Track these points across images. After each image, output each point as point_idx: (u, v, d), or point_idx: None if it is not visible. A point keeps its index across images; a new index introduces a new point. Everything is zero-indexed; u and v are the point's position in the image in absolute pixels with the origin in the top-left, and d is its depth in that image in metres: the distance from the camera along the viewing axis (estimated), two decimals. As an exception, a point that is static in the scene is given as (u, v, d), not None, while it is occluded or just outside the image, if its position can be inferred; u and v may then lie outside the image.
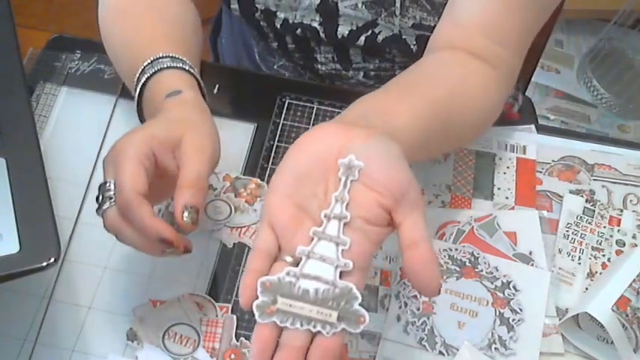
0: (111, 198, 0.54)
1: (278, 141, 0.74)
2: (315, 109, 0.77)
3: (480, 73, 0.65)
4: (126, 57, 0.67)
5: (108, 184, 0.54)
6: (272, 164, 0.72)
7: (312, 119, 0.76)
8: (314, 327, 0.44)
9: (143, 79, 0.62)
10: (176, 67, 0.62)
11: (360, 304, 0.45)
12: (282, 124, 0.75)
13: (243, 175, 0.71)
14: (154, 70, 0.62)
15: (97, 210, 0.55)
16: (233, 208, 0.68)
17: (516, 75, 0.68)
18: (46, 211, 0.53)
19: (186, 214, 0.53)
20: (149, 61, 0.62)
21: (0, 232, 0.51)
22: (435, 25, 0.71)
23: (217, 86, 0.78)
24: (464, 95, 0.63)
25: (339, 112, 0.76)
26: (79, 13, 1.83)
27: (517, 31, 0.66)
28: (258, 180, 0.70)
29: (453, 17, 0.67)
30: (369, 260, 0.48)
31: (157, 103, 0.60)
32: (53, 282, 0.64)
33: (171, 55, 0.63)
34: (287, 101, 0.77)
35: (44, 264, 0.51)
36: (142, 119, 0.64)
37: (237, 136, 0.74)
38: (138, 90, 0.62)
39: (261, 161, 0.72)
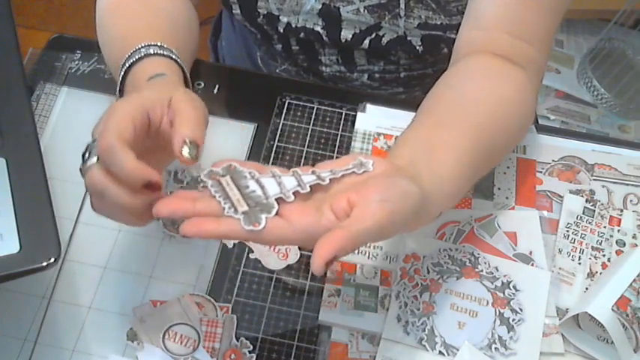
0: (94, 157, 0.51)
1: (278, 141, 0.74)
2: (315, 109, 0.77)
3: (513, 81, 0.64)
4: (116, 47, 0.67)
5: (95, 141, 0.51)
6: (272, 164, 0.72)
7: (312, 119, 0.76)
8: (225, 204, 0.49)
9: (128, 64, 0.61)
10: (162, 55, 0.62)
11: (266, 217, 0.48)
12: (282, 124, 0.75)
13: (244, 175, 0.71)
14: (140, 56, 0.61)
15: (80, 167, 0.52)
16: None
17: (543, 71, 0.68)
18: (46, 211, 0.53)
19: (186, 149, 0.51)
20: (136, 47, 0.62)
21: (0, 232, 0.51)
22: (442, 24, 0.72)
23: (217, 86, 0.78)
24: (504, 115, 0.62)
25: (339, 112, 0.76)
26: (79, 12, 1.83)
27: (541, 26, 0.65)
28: (259, 180, 0.70)
29: (475, 21, 0.66)
30: (301, 221, 0.48)
31: (139, 85, 0.59)
32: (53, 282, 0.64)
33: (159, 44, 0.63)
34: (287, 101, 0.77)
35: (44, 264, 0.51)
36: None
37: (237, 136, 0.74)
38: (121, 74, 0.62)
39: (261, 161, 0.72)
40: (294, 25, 0.78)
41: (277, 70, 0.90)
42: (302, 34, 0.79)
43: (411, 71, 0.84)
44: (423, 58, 0.82)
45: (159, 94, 0.54)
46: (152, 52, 0.61)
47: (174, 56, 0.62)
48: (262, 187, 0.50)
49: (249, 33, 0.88)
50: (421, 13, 0.73)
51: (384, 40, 0.77)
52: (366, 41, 0.78)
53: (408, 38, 0.76)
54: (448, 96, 0.63)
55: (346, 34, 0.78)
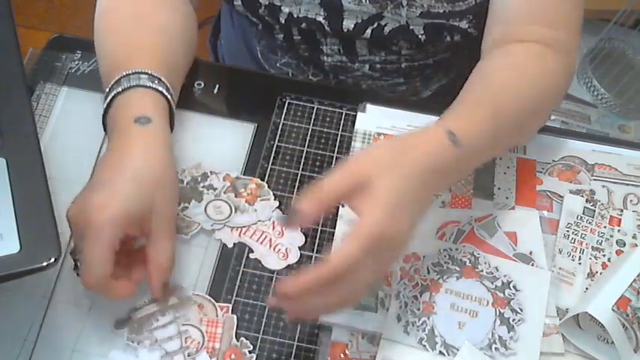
0: None
1: (278, 141, 0.74)
2: (315, 108, 0.76)
3: (533, 54, 0.67)
4: (106, 62, 0.68)
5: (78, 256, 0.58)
6: (272, 164, 0.72)
7: (312, 119, 0.76)
8: None
9: (114, 93, 0.63)
10: (151, 88, 0.63)
11: None
12: (283, 124, 0.75)
13: (244, 175, 0.71)
14: (128, 85, 0.62)
15: (76, 273, 0.62)
16: (233, 208, 0.68)
17: (574, 52, 0.70)
18: (46, 211, 0.53)
19: (165, 290, 0.61)
20: (125, 73, 0.63)
21: (0, 232, 0.51)
22: (445, 12, 0.73)
23: (217, 86, 0.78)
24: (517, 84, 0.66)
25: (339, 112, 0.76)
26: (79, 13, 1.83)
27: (562, 9, 0.68)
28: (258, 180, 0.70)
29: (497, 17, 0.70)
30: None
31: (124, 123, 0.61)
32: (53, 282, 0.64)
33: (149, 72, 0.63)
34: (287, 101, 0.77)
35: (44, 264, 0.51)
36: (105, 129, 0.65)
37: (237, 136, 0.74)
38: (107, 101, 0.63)
39: (261, 161, 0.72)
40: (295, 16, 0.78)
41: (278, 64, 0.90)
42: (303, 25, 0.79)
43: (413, 62, 0.84)
44: (424, 48, 0.82)
45: (142, 206, 0.58)
46: (141, 84, 0.63)
47: (161, 89, 0.64)
48: None
49: (249, 26, 0.88)
50: (423, 1, 0.73)
51: (387, 30, 0.77)
52: (368, 31, 0.78)
53: (411, 27, 0.76)
54: (475, 79, 0.67)
55: (348, 24, 0.78)
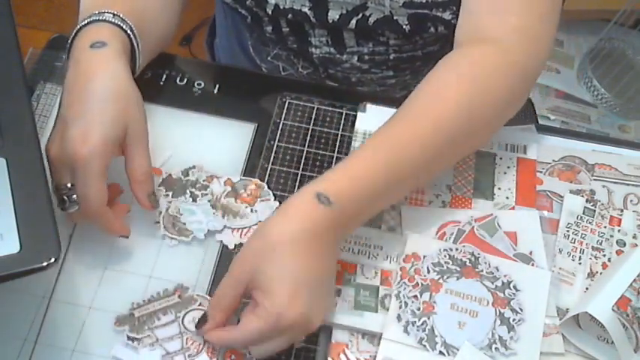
0: (77, 202, 0.60)
1: (278, 141, 0.74)
2: (315, 109, 0.76)
3: (485, 60, 0.65)
4: (83, 14, 0.69)
5: (68, 188, 0.60)
6: (272, 164, 0.72)
7: (312, 119, 0.76)
8: None
9: (79, 26, 0.65)
10: (112, 23, 0.65)
11: None
12: (283, 124, 0.75)
13: (244, 175, 0.71)
14: (90, 20, 0.65)
15: (60, 208, 0.61)
16: (232, 215, 0.68)
17: (544, 43, 0.67)
18: (46, 211, 0.53)
19: (151, 199, 0.64)
20: (93, 13, 0.66)
21: (0, 232, 0.51)
22: (427, 2, 0.73)
23: (217, 86, 0.78)
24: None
25: (339, 112, 0.76)
26: (79, 13, 1.83)
27: None
28: (258, 180, 0.70)
29: (465, 9, 0.69)
30: None
31: (80, 49, 0.63)
32: (53, 282, 0.64)
33: (114, 12, 0.66)
34: (287, 101, 0.77)
35: (44, 264, 0.51)
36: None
37: (237, 136, 0.74)
38: (72, 36, 0.65)
39: (261, 161, 0.72)
40: (282, 7, 0.78)
41: (269, 58, 0.90)
42: (290, 16, 0.79)
43: (401, 53, 0.84)
44: (412, 40, 0.82)
45: (117, 132, 0.60)
46: (103, 19, 0.65)
47: (125, 27, 0.66)
48: None
49: (240, 19, 0.88)
50: None
51: (371, 20, 0.78)
52: (353, 21, 0.78)
53: (395, 18, 0.77)
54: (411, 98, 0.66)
55: (333, 15, 0.78)
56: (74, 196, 0.60)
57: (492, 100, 0.64)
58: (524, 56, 0.66)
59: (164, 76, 0.77)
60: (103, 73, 0.62)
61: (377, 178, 0.59)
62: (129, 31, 0.66)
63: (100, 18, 0.65)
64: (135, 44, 0.67)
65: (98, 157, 0.58)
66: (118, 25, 0.66)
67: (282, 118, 0.76)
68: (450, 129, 0.62)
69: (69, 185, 0.60)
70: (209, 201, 0.68)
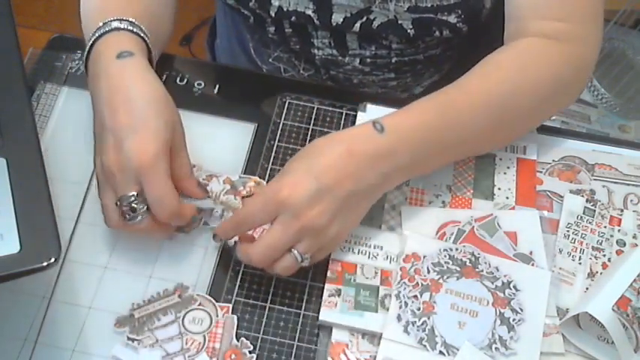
0: (144, 211, 0.60)
1: (278, 141, 0.74)
2: (315, 109, 0.76)
3: (521, 49, 0.68)
4: (91, 19, 0.69)
5: (135, 199, 0.60)
6: (272, 164, 0.72)
7: (313, 119, 0.76)
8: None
9: (98, 34, 0.65)
10: (132, 32, 0.66)
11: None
12: (283, 124, 0.75)
13: (244, 175, 0.71)
14: (109, 28, 0.65)
15: (127, 220, 0.60)
16: (231, 213, 0.68)
17: (588, 41, 0.70)
18: (47, 211, 0.53)
19: (201, 187, 0.66)
20: (108, 20, 0.66)
21: (0, 232, 0.51)
22: (432, 6, 0.74)
23: (217, 86, 0.78)
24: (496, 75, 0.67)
25: (339, 112, 0.76)
26: (79, 13, 1.83)
27: (571, 1, 0.68)
28: (257, 178, 0.70)
29: (511, 15, 0.71)
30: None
31: (106, 62, 0.64)
32: (53, 282, 0.64)
33: (130, 20, 0.66)
34: (287, 101, 0.77)
35: (44, 264, 0.51)
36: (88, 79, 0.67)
37: (237, 136, 0.74)
38: (89, 44, 0.66)
39: (261, 161, 0.72)
40: (285, 9, 0.78)
41: (270, 59, 0.90)
42: (293, 18, 0.79)
43: (403, 56, 0.84)
44: (414, 43, 0.82)
45: (171, 133, 0.61)
46: (122, 27, 0.66)
47: (142, 34, 0.67)
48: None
49: (242, 20, 0.88)
50: None
51: (375, 24, 0.78)
52: (357, 25, 0.78)
53: (399, 22, 0.77)
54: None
55: (337, 18, 0.78)
56: (141, 205, 0.60)
57: (540, 85, 0.68)
58: (578, 46, 0.69)
59: (164, 76, 0.77)
60: (142, 82, 0.63)
61: (430, 125, 0.64)
62: (146, 39, 0.67)
63: (121, 26, 0.66)
64: (151, 50, 0.68)
65: (163, 160, 0.59)
66: (136, 33, 0.66)
67: (283, 118, 0.76)
68: (499, 106, 0.66)
69: (135, 194, 0.60)
70: (209, 197, 0.68)
